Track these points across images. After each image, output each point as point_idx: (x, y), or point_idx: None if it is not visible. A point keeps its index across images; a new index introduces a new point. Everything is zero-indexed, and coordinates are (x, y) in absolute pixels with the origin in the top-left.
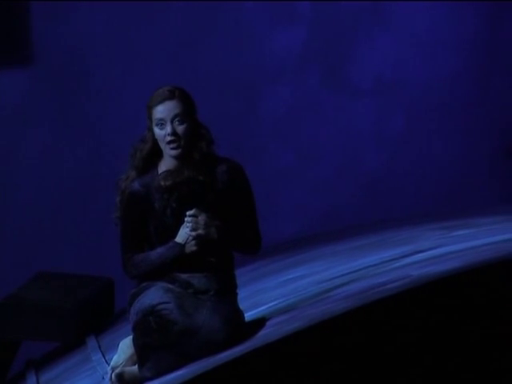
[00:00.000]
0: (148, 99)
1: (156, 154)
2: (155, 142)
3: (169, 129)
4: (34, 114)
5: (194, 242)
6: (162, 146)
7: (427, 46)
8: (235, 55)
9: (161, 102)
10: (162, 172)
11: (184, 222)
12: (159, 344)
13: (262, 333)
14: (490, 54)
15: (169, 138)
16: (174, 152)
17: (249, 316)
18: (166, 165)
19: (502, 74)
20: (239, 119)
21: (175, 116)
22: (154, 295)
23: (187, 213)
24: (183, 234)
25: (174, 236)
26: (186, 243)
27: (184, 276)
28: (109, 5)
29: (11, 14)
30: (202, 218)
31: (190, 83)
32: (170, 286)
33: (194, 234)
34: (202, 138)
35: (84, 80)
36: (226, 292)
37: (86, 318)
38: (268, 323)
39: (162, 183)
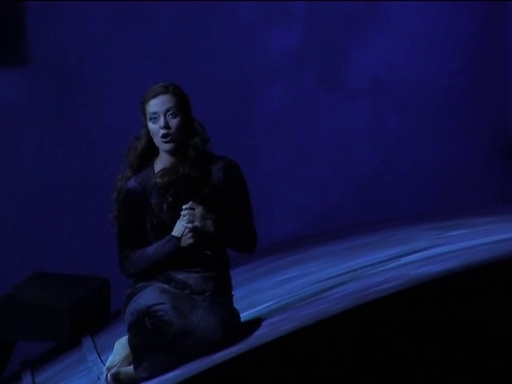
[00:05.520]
0: (142, 95)
1: (151, 151)
2: (150, 138)
3: (162, 121)
4: (30, 114)
5: (190, 234)
6: (156, 140)
7: (423, 45)
8: (231, 55)
9: (154, 96)
10: (159, 171)
11: (180, 216)
12: (154, 344)
13: (257, 333)
14: (486, 54)
15: (162, 131)
16: (167, 146)
17: (245, 316)
18: (161, 162)
19: (497, 73)
20: (235, 119)
21: (168, 109)
22: (150, 296)
23: (184, 206)
24: (179, 226)
25: (171, 232)
26: (182, 236)
27: (180, 276)
28: (104, 5)
29: (6, 14)
30: (198, 211)
31: (185, 83)
32: (166, 286)
33: (190, 225)
34: (197, 135)
35: (79, 80)
36: (222, 292)
37: (81, 319)
38: (264, 323)
39: (159, 180)
